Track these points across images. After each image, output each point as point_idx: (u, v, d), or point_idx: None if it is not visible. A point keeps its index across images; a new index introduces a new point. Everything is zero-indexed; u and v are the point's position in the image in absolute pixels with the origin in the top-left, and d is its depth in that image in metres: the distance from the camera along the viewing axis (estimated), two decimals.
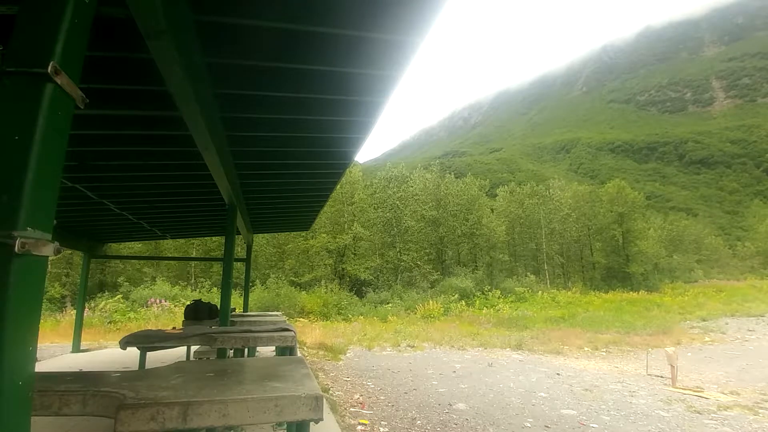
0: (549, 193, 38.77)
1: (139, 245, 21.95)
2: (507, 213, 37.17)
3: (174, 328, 3.84)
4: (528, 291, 25.80)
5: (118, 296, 16.40)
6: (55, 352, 7.70)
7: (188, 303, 5.44)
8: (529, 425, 4.82)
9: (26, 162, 0.83)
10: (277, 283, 20.49)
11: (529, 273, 31.77)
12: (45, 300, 15.91)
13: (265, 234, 22.63)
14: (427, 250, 29.48)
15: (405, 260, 27.15)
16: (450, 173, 36.76)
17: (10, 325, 0.79)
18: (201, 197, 5.05)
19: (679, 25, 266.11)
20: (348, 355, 9.37)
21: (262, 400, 1.39)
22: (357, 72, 2.30)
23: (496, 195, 41.49)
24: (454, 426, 4.75)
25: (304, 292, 20.69)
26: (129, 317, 13.63)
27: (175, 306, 15.42)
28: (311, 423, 1.51)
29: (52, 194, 0.91)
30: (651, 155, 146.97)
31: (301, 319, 16.94)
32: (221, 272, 4.49)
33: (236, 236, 5.14)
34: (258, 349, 5.58)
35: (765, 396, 6.30)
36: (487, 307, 20.92)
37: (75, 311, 8.90)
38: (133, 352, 3.59)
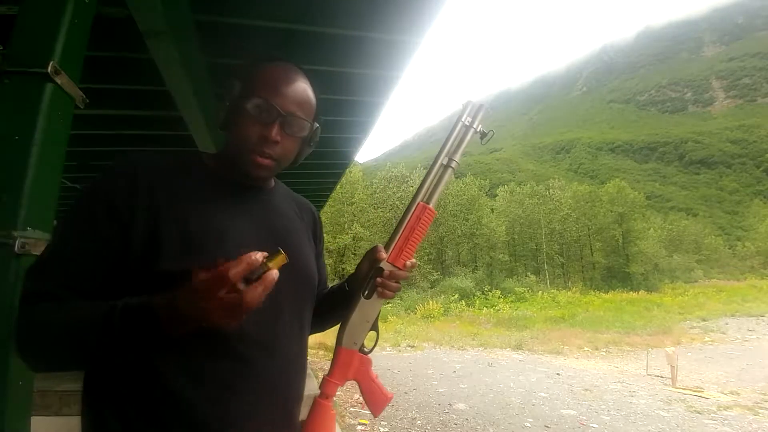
0: (549, 193, 38.79)
1: None
2: (507, 213, 37.20)
3: None
4: (528, 291, 25.80)
5: None
6: None
7: None
8: (529, 425, 4.82)
9: (26, 162, 0.83)
10: None
11: (529, 273, 31.80)
12: None
13: None
14: (427, 250, 29.50)
15: None
16: None
17: (10, 325, 0.79)
18: None
19: (679, 25, 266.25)
20: None
21: None
22: (357, 72, 2.31)
23: (496, 195, 41.54)
24: (454, 426, 4.75)
25: None
26: None
27: None
28: None
29: (52, 194, 0.92)
30: (651, 155, 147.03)
31: None
32: None
33: None
34: None
35: (765, 396, 6.29)
36: (487, 307, 20.92)
37: None
38: None
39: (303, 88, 0.74)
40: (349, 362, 0.81)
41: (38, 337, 0.59)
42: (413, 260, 0.84)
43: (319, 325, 0.90)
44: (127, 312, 0.55)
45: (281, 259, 0.54)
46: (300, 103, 0.73)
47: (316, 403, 0.80)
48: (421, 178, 0.86)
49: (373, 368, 0.85)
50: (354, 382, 0.84)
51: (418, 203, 0.83)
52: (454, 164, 0.83)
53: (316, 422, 0.78)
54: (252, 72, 0.74)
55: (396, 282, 0.82)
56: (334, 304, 0.91)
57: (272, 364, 0.69)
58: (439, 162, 0.83)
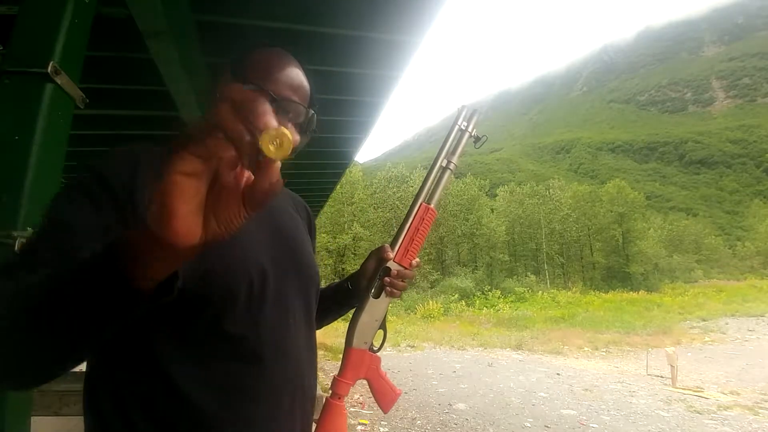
0: (549, 193, 38.78)
1: None
2: (507, 213, 37.20)
3: None
4: (528, 291, 25.81)
5: None
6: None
7: None
8: (529, 425, 4.82)
9: (26, 162, 0.83)
10: None
11: (529, 273, 31.80)
12: None
13: None
14: (427, 250, 29.50)
15: None
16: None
17: None
18: None
19: (679, 25, 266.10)
20: None
21: None
22: (357, 72, 2.30)
23: (496, 195, 41.55)
24: (454, 426, 4.75)
25: None
26: None
27: None
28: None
29: (52, 194, 0.91)
30: (651, 155, 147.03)
31: None
32: None
33: None
34: None
35: (765, 396, 6.29)
36: (487, 307, 20.93)
37: None
38: None
39: (296, 72, 0.72)
40: (361, 362, 0.83)
41: (8, 311, 0.44)
42: (418, 259, 0.88)
43: (317, 323, 0.89)
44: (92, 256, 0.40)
45: (285, 145, 0.34)
46: (294, 88, 0.70)
47: (329, 403, 0.79)
48: (422, 179, 0.87)
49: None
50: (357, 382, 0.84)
51: (421, 204, 0.86)
52: (452, 166, 0.87)
53: (329, 423, 0.78)
54: (242, 59, 0.70)
55: (403, 281, 0.85)
56: (335, 303, 0.91)
57: (286, 364, 0.67)
58: (437, 164, 0.87)
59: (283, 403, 0.67)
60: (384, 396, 0.86)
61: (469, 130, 0.87)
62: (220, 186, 0.34)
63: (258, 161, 0.35)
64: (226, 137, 0.33)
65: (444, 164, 0.87)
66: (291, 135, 0.34)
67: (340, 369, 0.82)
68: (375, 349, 0.85)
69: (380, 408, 0.88)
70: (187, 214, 0.33)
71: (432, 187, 0.86)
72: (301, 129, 0.74)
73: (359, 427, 4.49)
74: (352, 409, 5.00)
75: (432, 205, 0.86)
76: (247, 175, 0.36)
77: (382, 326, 0.85)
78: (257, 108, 0.34)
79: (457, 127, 0.87)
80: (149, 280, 0.38)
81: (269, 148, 0.33)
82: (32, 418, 0.89)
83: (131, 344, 0.59)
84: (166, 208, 0.32)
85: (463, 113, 0.88)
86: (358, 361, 0.82)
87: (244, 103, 0.34)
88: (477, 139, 0.89)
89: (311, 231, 0.92)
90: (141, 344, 0.59)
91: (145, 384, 0.59)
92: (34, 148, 0.84)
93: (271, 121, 0.34)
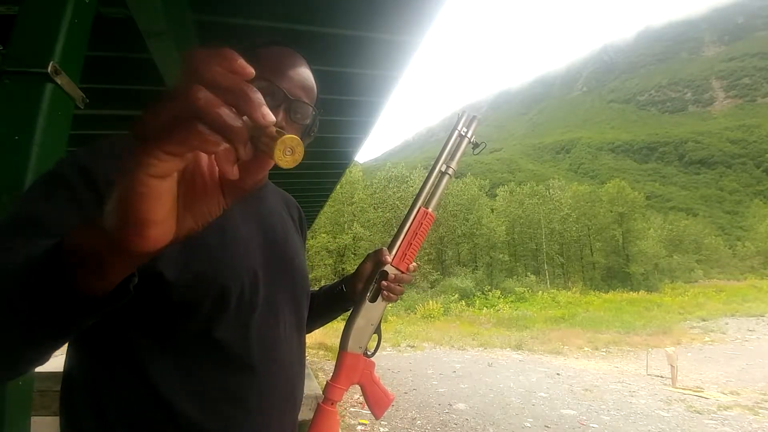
0: (549, 193, 38.81)
1: None
2: (507, 213, 37.22)
3: None
4: (528, 291, 25.81)
5: None
6: (55, 351, 7.69)
7: None
8: (529, 425, 4.82)
9: (26, 162, 0.83)
10: None
11: (529, 273, 31.80)
12: None
13: None
14: (427, 250, 29.50)
15: None
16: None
17: None
18: None
19: (679, 25, 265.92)
20: None
21: None
22: (357, 72, 2.30)
23: (496, 195, 41.57)
24: (454, 426, 4.75)
25: None
26: None
27: None
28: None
29: None
30: (651, 155, 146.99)
31: None
32: None
33: None
34: None
35: (765, 396, 6.29)
36: (487, 307, 20.93)
37: None
38: None
39: (308, 73, 0.71)
40: (355, 366, 0.82)
41: None
42: (415, 264, 0.87)
43: (308, 327, 0.86)
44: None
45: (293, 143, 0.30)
46: (306, 89, 0.69)
47: (321, 409, 0.77)
48: (421, 182, 0.87)
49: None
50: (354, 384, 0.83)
51: (420, 208, 0.86)
52: (451, 171, 0.87)
53: (322, 430, 0.76)
54: (253, 54, 0.65)
55: (400, 285, 0.84)
56: (327, 306, 0.90)
57: (277, 374, 0.65)
58: (437, 169, 0.87)
59: (274, 415, 0.64)
60: (377, 402, 0.86)
61: (469, 136, 0.88)
62: (200, 178, 0.30)
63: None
64: (209, 127, 0.26)
65: (443, 169, 0.87)
66: (302, 143, 0.31)
67: (334, 373, 0.80)
68: (369, 353, 0.83)
69: (372, 413, 0.88)
70: (164, 219, 0.28)
71: (431, 192, 0.87)
72: (305, 131, 0.72)
73: (359, 427, 4.49)
74: (352, 409, 5.00)
75: (430, 210, 0.86)
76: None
77: (377, 330, 0.84)
78: (249, 95, 0.28)
79: (456, 132, 0.88)
80: (103, 285, 0.33)
81: (283, 158, 0.30)
82: (32, 418, 0.89)
83: (112, 346, 0.57)
84: (139, 216, 0.27)
85: (463, 119, 0.89)
86: (352, 365, 0.81)
87: (231, 86, 0.27)
88: (476, 145, 0.89)
89: (303, 231, 0.90)
90: (122, 347, 0.57)
91: (124, 388, 0.56)
92: (34, 148, 0.84)
93: (269, 114, 0.28)
